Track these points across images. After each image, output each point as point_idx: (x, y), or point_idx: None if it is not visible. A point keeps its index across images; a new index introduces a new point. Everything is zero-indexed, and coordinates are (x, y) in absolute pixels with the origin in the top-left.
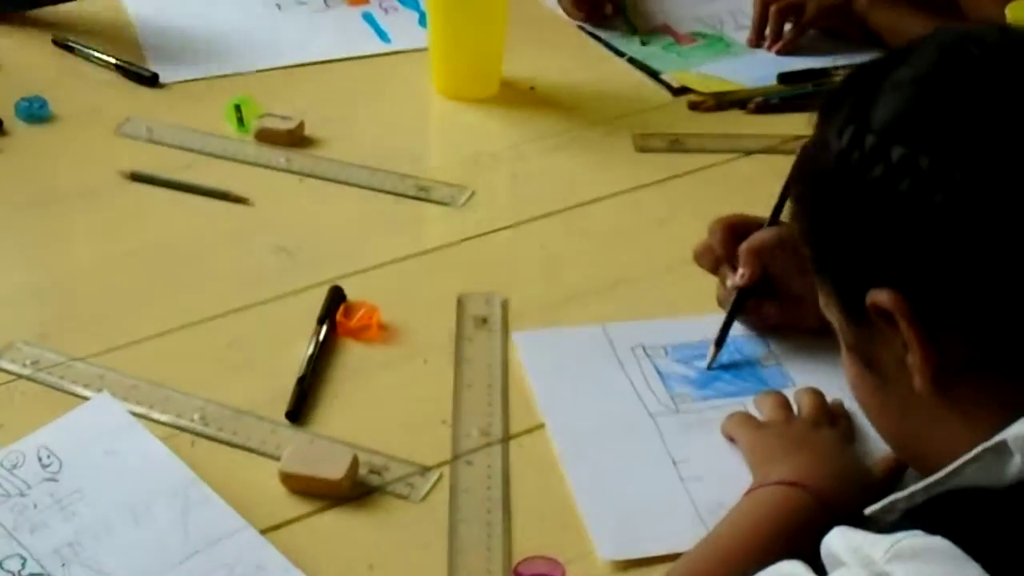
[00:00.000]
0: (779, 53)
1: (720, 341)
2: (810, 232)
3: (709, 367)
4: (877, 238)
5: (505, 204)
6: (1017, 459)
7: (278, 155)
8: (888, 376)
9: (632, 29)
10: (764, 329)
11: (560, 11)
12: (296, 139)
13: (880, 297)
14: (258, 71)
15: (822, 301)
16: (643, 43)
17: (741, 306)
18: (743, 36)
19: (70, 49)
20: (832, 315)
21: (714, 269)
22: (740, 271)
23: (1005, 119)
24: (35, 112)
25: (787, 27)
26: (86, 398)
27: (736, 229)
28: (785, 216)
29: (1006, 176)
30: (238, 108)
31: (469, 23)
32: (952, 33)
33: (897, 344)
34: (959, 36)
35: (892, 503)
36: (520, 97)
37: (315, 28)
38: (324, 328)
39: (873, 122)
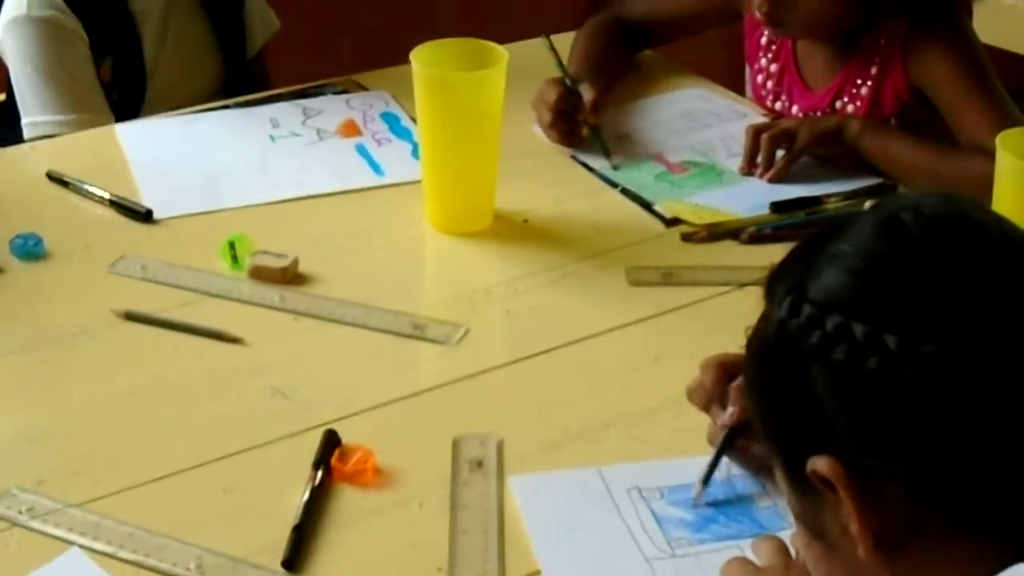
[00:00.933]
0: (771, 181)
1: (706, 479)
2: (755, 401)
3: (694, 504)
4: (813, 405)
5: (499, 342)
6: None
7: (272, 293)
8: (835, 544)
9: (606, 152)
10: (755, 469)
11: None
12: (290, 277)
13: (819, 464)
14: (252, 206)
15: (776, 473)
16: (615, 167)
17: (730, 445)
18: (735, 164)
19: (64, 184)
20: (782, 486)
21: (706, 407)
22: (729, 409)
23: (933, 289)
24: (30, 250)
25: (779, 154)
26: (81, 546)
27: (728, 367)
28: None
29: (945, 345)
30: (232, 245)
31: (461, 156)
32: (893, 204)
33: (841, 512)
34: (897, 207)
35: None
36: (514, 230)
37: (309, 161)
38: (319, 473)
39: (810, 292)
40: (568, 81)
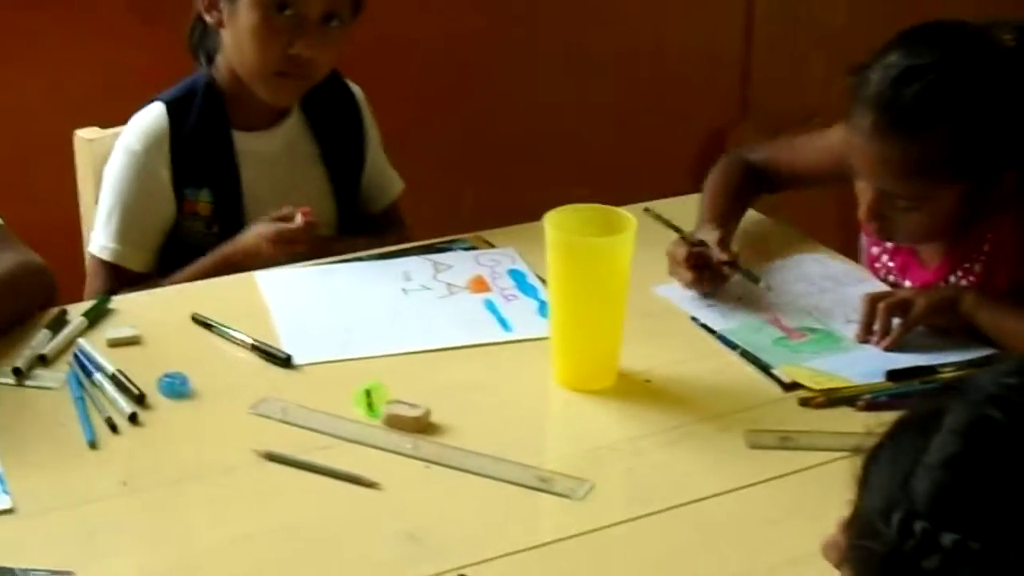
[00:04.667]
0: (887, 349)
1: None
2: None
3: None
4: None
5: (622, 498)
6: None
7: (405, 441)
8: None
9: (754, 279)
10: None
11: (674, 301)
12: (422, 426)
13: None
14: (386, 355)
15: None
16: (768, 289)
17: None
18: (852, 330)
19: (208, 327)
20: None
21: (839, 564)
22: None
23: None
24: (176, 388)
25: (895, 322)
26: None
27: None
28: None
29: None
30: (368, 394)
31: (589, 317)
32: (980, 394)
33: None
34: (984, 399)
35: None
36: (636, 389)
37: (440, 314)
38: None
39: (918, 503)
40: (688, 237)
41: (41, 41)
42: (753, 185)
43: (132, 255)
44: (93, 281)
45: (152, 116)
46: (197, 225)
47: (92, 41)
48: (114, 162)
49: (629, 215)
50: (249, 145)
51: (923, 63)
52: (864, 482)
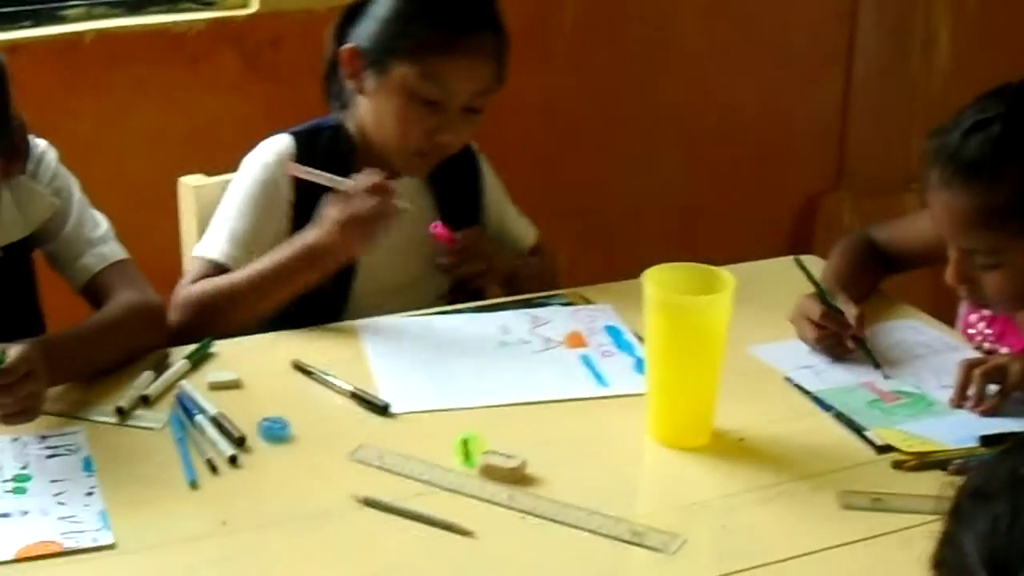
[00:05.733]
0: (982, 415)
1: None
2: None
3: None
4: None
5: (714, 555)
6: None
7: (501, 492)
8: None
9: (875, 363)
10: None
11: (769, 361)
12: (518, 477)
13: None
14: (483, 407)
15: None
16: (886, 377)
17: None
18: (946, 395)
19: (308, 373)
20: None
21: None
22: None
23: None
24: (276, 433)
25: (990, 388)
26: None
27: None
28: None
29: None
30: (465, 443)
31: (685, 374)
32: None
33: None
34: None
35: None
36: (730, 447)
37: (537, 368)
38: None
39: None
40: (827, 297)
41: (151, 90)
42: (881, 265)
43: (241, 259)
44: (191, 279)
45: (282, 142)
46: None
47: (200, 91)
48: (242, 174)
49: (728, 274)
50: None
51: (990, 116)
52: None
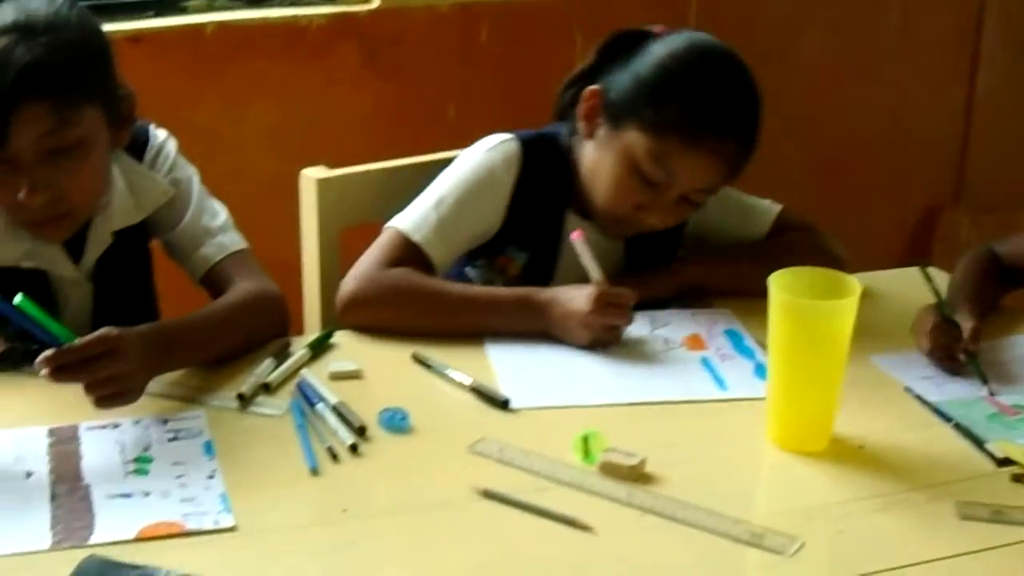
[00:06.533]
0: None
1: None
2: None
3: None
4: None
5: (831, 559)
6: None
7: (620, 489)
8: None
9: (983, 378)
10: None
11: (891, 372)
12: (637, 475)
13: None
14: (602, 405)
15: None
16: (992, 394)
17: None
18: None
19: (427, 366)
20: None
21: None
22: None
23: None
24: (396, 423)
25: None
26: None
27: None
28: None
29: None
30: (585, 440)
31: (808, 379)
32: None
33: None
34: None
35: None
36: (849, 454)
37: (656, 368)
38: None
39: None
40: (945, 310)
41: (271, 83)
42: (1003, 279)
43: (438, 247)
44: (385, 252)
45: (512, 149)
46: (497, 280)
47: (319, 86)
48: (467, 160)
49: (854, 280)
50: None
51: None
52: None
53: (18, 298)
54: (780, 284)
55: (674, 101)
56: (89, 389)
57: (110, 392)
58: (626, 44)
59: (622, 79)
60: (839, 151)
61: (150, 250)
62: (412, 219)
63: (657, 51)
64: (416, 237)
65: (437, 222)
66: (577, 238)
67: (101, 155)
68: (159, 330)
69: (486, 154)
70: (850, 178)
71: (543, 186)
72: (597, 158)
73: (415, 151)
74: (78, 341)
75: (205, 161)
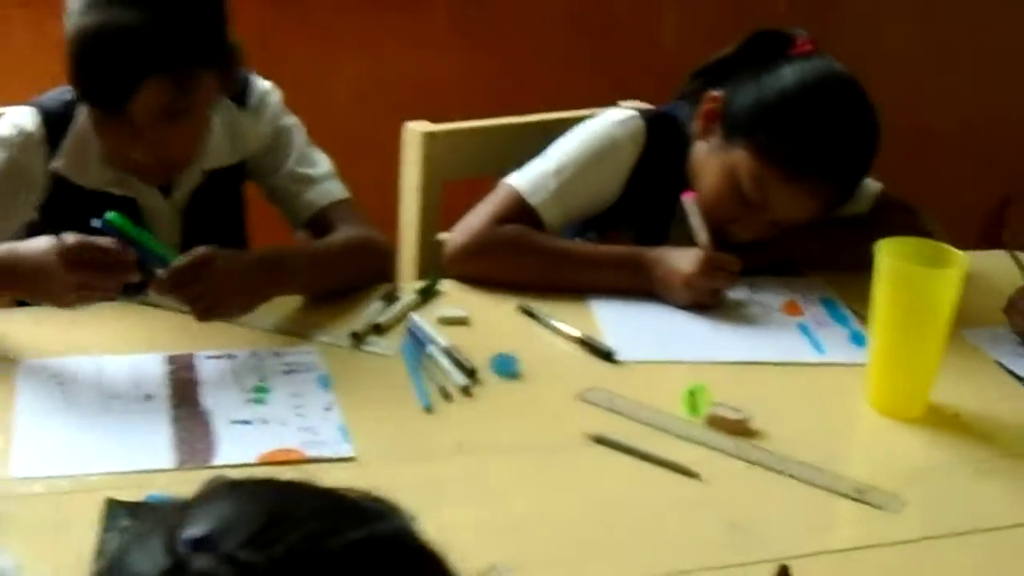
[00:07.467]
0: None
1: None
2: None
3: None
4: None
5: (933, 516)
6: None
7: (726, 441)
8: None
9: None
10: None
11: (984, 348)
12: (743, 430)
13: None
14: (705, 362)
15: None
16: None
17: None
18: None
19: (534, 317)
20: None
21: None
22: None
23: None
24: (507, 368)
25: None
26: None
27: None
28: None
29: None
30: (692, 394)
31: (911, 345)
32: None
33: None
34: None
35: None
36: (945, 421)
37: (756, 330)
38: None
39: None
40: None
41: (373, 45)
42: None
43: (552, 212)
44: (499, 209)
45: (637, 126)
46: None
47: (412, 43)
48: (591, 130)
49: (960, 253)
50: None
51: None
52: None
53: (110, 214)
54: (887, 251)
55: (788, 135)
56: (187, 302)
57: (204, 305)
58: (766, 47)
59: (746, 93)
60: (916, 138)
61: (244, 193)
62: (531, 180)
63: (786, 76)
64: (533, 200)
65: (556, 188)
66: (689, 199)
67: (209, 110)
68: (263, 253)
69: (612, 127)
70: (924, 166)
71: (662, 167)
72: (704, 162)
73: (507, 111)
74: (176, 263)
75: (302, 113)
